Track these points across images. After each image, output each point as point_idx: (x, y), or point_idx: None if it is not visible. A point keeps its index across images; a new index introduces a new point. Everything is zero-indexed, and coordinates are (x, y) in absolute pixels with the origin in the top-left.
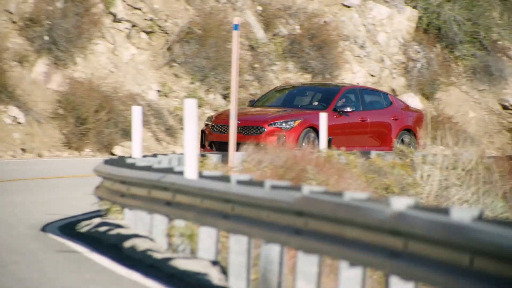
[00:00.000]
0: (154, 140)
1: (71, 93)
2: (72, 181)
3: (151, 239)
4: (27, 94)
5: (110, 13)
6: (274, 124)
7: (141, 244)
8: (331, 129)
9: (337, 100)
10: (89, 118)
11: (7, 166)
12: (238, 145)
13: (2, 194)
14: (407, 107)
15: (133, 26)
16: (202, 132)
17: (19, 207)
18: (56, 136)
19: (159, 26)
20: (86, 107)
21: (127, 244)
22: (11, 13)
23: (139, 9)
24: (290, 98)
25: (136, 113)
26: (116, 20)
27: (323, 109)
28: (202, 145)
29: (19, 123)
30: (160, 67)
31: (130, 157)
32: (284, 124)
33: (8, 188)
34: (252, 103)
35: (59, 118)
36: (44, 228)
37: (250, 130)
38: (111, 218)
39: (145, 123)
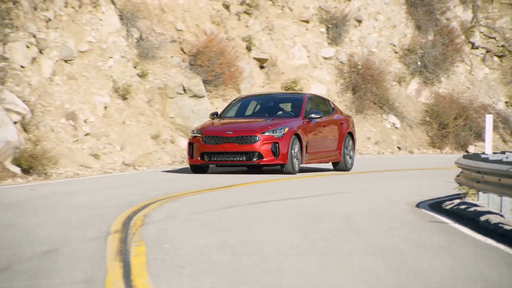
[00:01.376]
0: (501, 141)
1: (435, 105)
2: (434, 172)
3: (501, 215)
4: (403, 106)
5: (469, 42)
6: (267, 132)
7: (493, 219)
8: (305, 135)
9: (304, 107)
10: (449, 124)
11: (387, 160)
12: (234, 155)
13: (383, 180)
14: (341, 112)
15: (487, 51)
16: (190, 144)
17: (396, 190)
18: (423, 137)
19: (509, 51)
20: (447, 115)
21: (482, 218)
22: (394, 45)
23: (493, 38)
24: (258, 108)
25: (488, 120)
26: (473, 47)
27: (295, 116)
28: (191, 156)
29: (396, 128)
30: (508, 83)
31: (483, 153)
32: (276, 132)
33: (387, 176)
34: (216, 115)
35: (425, 124)
36: (418, 205)
37: (244, 139)
38: (468, 199)
39: (494, 127)
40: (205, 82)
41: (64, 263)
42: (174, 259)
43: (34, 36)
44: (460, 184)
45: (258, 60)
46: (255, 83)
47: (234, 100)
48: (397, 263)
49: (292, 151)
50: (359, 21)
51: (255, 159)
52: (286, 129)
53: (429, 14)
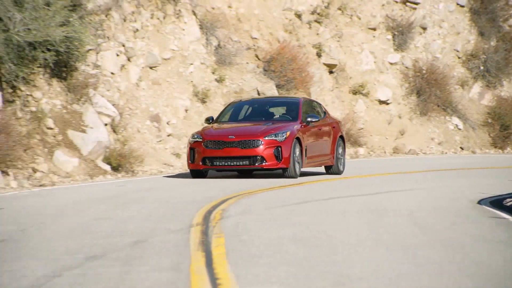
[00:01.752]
0: None
1: (497, 107)
2: (496, 171)
3: None
4: (465, 108)
5: None
6: (269, 136)
7: None
8: (305, 139)
9: (301, 111)
10: (511, 125)
11: (450, 160)
12: (236, 159)
13: (445, 178)
14: (331, 116)
15: None
16: (191, 149)
17: (458, 188)
18: (485, 138)
19: None
20: (508, 117)
21: None
22: (457, 51)
23: None
24: (254, 112)
25: None
26: None
27: (293, 120)
28: (191, 161)
29: (459, 129)
30: None
31: None
32: (279, 136)
33: (449, 175)
34: (211, 119)
35: (488, 125)
36: (479, 202)
37: (246, 144)
38: None
39: None
40: (277, 86)
41: (152, 252)
42: (251, 249)
43: (123, 45)
44: None
45: (328, 65)
46: (324, 87)
47: (228, 105)
48: (459, 256)
49: (294, 155)
50: (424, 28)
51: (258, 164)
52: (288, 133)
53: (492, 21)
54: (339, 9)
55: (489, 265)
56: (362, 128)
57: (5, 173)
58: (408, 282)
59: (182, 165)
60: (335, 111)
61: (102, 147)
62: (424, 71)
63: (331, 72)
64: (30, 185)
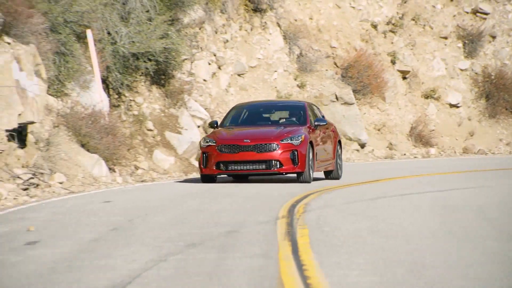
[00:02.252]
0: None
1: None
2: None
3: None
4: None
5: None
6: (286, 140)
7: None
8: (316, 143)
9: (309, 114)
10: None
11: None
12: (252, 163)
13: None
14: (328, 120)
15: None
16: (204, 153)
17: None
18: None
19: None
20: None
21: None
22: None
23: None
24: (259, 116)
25: None
26: None
27: (301, 124)
28: (204, 166)
29: None
30: None
31: None
32: (294, 140)
33: None
34: (215, 124)
35: None
36: None
37: (263, 147)
38: None
39: None
40: (354, 91)
41: (244, 241)
42: (332, 240)
43: (215, 55)
44: None
45: (401, 72)
46: (398, 91)
47: (232, 109)
48: None
49: (309, 159)
50: (493, 37)
51: (274, 168)
52: (303, 137)
53: None
54: (413, 19)
55: None
56: (433, 130)
57: (112, 170)
58: (476, 270)
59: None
60: (408, 114)
61: (195, 147)
62: (492, 77)
63: (404, 78)
64: (133, 181)
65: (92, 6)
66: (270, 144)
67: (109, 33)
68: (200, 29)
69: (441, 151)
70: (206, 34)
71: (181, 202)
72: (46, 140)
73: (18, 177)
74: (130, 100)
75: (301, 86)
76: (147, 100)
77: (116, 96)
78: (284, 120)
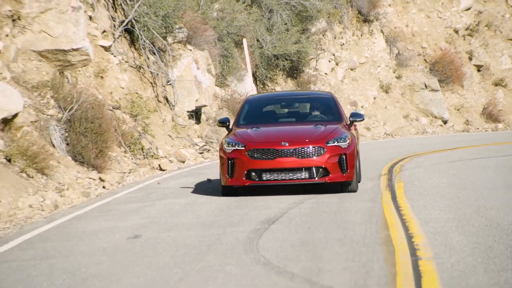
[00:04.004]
0: None
1: None
2: None
3: None
4: None
5: None
6: (332, 142)
7: None
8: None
9: (341, 109)
10: None
11: None
12: (292, 172)
13: None
14: None
15: None
16: (229, 159)
17: None
18: None
19: None
20: None
21: None
22: None
23: None
24: (283, 111)
25: None
26: None
27: (335, 120)
28: (230, 176)
29: None
30: None
31: None
32: (341, 142)
33: None
34: (227, 122)
35: None
36: None
37: (305, 152)
38: None
39: None
40: (439, 81)
41: (357, 190)
42: (420, 190)
43: (333, 55)
44: None
45: (476, 66)
46: (473, 81)
47: (246, 103)
48: None
49: (357, 165)
50: None
51: (319, 177)
52: (350, 138)
53: None
54: (486, 25)
55: None
56: (501, 110)
57: None
58: None
59: (371, 135)
60: (481, 98)
61: None
62: None
63: (478, 71)
64: None
65: (246, 21)
66: (315, 147)
67: (258, 40)
68: (323, 36)
69: (506, 126)
70: (327, 39)
71: None
72: (214, 118)
73: (196, 144)
74: (272, 89)
75: (398, 77)
76: (284, 89)
77: (261, 86)
78: (312, 115)
